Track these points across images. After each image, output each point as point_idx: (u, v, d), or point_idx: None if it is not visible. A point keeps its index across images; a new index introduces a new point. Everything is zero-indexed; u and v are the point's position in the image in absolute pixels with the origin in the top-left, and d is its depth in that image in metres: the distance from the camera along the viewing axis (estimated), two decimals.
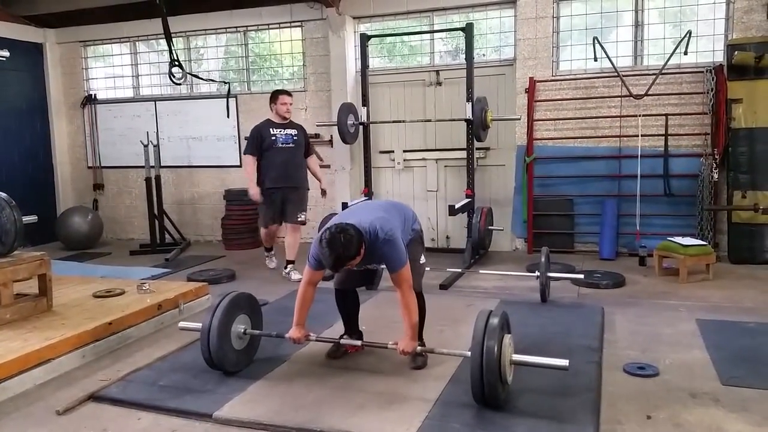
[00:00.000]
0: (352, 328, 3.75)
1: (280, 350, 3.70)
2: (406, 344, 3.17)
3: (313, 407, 2.99)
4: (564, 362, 2.85)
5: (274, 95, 5.89)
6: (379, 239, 3.13)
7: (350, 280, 3.61)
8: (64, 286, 4.92)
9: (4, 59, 5.92)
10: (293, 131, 5.88)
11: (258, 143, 5.76)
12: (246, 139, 7.79)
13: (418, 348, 3.23)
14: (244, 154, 5.89)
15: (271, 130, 5.78)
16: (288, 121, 5.89)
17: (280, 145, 5.77)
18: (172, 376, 3.42)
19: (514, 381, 2.98)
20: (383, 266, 3.35)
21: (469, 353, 2.85)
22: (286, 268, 5.94)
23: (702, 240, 5.79)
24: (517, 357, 2.93)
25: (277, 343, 3.67)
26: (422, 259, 3.59)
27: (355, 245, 3.01)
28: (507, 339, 2.91)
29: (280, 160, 5.77)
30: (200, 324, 3.39)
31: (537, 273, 4.77)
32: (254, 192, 5.78)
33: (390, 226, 3.21)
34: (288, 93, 5.95)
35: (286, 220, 5.90)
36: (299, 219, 5.90)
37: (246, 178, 5.94)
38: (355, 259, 3.08)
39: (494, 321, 2.85)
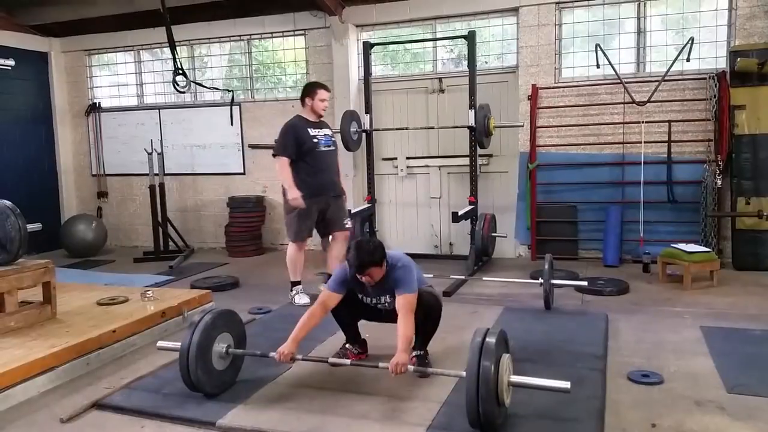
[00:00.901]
0: (354, 337, 3.75)
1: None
2: (398, 356, 3.08)
3: (316, 415, 2.99)
4: (565, 384, 2.71)
5: (311, 89, 5.12)
6: (397, 266, 3.38)
7: (351, 300, 3.58)
8: (68, 293, 4.92)
9: (10, 68, 5.97)
10: (329, 131, 5.21)
11: (296, 144, 4.95)
12: (248, 146, 7.98)
13: (411, 368, 3.10)
14: (279, 155, 4.99)
15: (309, 130, 5.02)
16: (320, 119, 5.20)
17: (323, 148, 5.05)
18: (176, 384, 3.40)
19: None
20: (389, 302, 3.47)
21: (464, 373, 2.73)
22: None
23: (706, 247, 5.78)
24: (515, 378, 2.81)
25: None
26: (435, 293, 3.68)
27: (379, 254, 3.30)
28: (505, 359, 2.79)
29: (324, 165, 5.07)
30: (179, 343, 3.24)
31: (540, 280, 4.75)
32: (296, 196, 4.91)
33: (408, 260, 3.46)
34: (327, 87, 5.21)
35: (334, 228, 5.22)
36: (347, 225, 5.31)
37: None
38: (377, 270, 3.29)
39: (491, 340, 2.71)
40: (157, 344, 3.53)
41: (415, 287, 3.36)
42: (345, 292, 3.47)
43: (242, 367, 3.49)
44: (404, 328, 3.21)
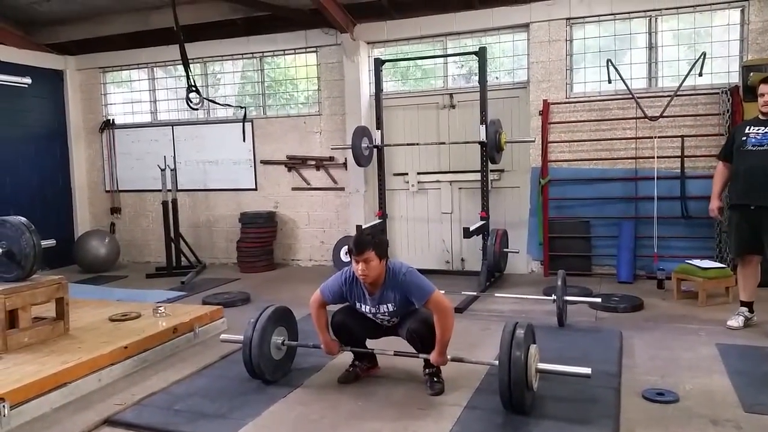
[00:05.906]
0: (363, 355, 3.72)
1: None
2: (434, 358, 3.36)
3: None
4: (586, 370, 3.02)
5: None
6: (401, 272, 3.36)
7: (352, 319, 3.60)
8: (81, 309, 4.94)
9: (26, 86, 6.07)
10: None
11: (729, 143, 4.69)
12: (260, 162, 8.02)
13: (449, 356, 3.36)
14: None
15: (747, 128, 4.53)
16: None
17: (750, 148, 4.45)
18: (187, 401, 3.42)
19: (533, 407, 2.95)
20: (395, 319, 3.50)
21: (496, 362, 3.03)
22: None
23: (721, 262, 5.71)
24: (542, 366, 3.11)
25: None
26: None
27: (382, 245, 3.31)
28: (533, 349, 3.08)
29: (745, 165, 4.48)
30: (241, 336, 3.62)
31: (554, 296, 4.72)
32: (713, 206, 4.92)
33: (408, 265, 3.44)
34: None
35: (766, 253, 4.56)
36: None
37: None
38: (374, 257, 3.24)
39: (521, 332, 3.04)
40: (221, 337, 4.07)
41: (431, 285, 3.35)
42: (336, 301, 3.55)
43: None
44: (442, 332, 3.30)
